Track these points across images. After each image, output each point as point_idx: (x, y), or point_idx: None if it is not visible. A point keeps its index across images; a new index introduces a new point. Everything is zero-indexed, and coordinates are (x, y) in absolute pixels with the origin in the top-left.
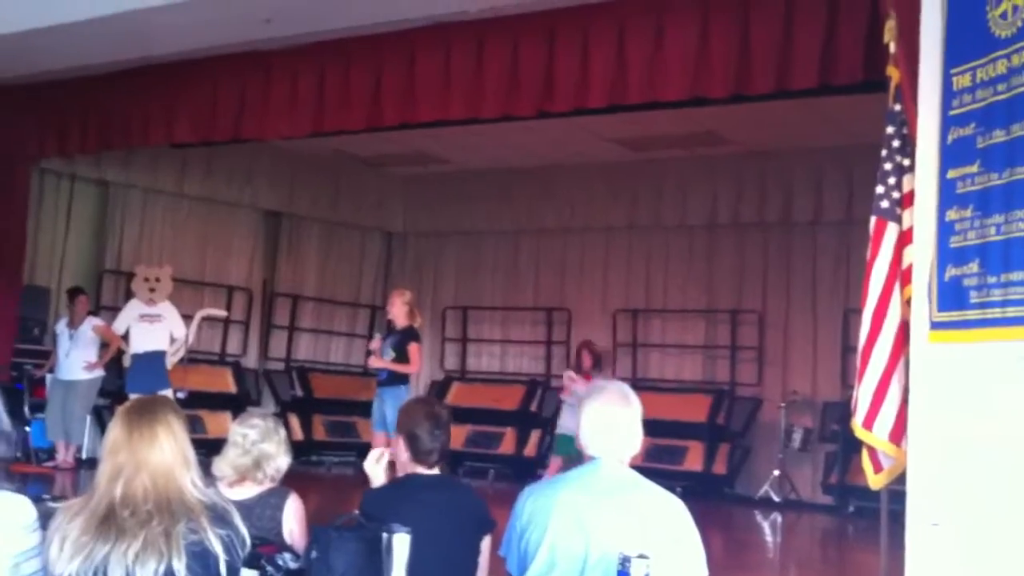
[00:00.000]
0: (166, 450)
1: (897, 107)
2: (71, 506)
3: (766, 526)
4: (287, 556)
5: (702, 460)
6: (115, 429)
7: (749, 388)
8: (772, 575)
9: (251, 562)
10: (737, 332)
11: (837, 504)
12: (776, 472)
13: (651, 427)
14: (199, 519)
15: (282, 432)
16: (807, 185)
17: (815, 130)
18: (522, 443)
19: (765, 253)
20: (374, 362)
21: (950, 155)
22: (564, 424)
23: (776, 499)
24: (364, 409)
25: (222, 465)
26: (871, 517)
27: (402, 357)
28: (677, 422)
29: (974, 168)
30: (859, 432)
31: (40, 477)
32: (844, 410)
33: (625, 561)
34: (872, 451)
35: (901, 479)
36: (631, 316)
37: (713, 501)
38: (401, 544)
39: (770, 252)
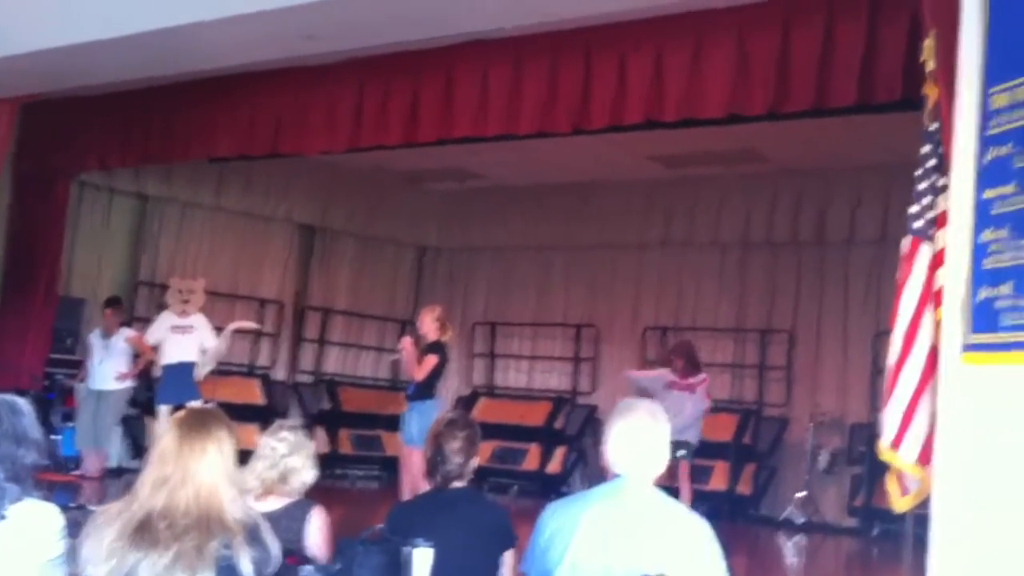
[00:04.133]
0: (214, 466)
1: (934, 126)
2: (109, 509)
3: (790, 548)
4: (309, 568)
5: (727, 480)
6: (167, 438)
7: (776, 408)
8: None
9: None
10: (766, 351)
11: (862, 527)
12: (802, 493)
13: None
14: (235, 538)
15: (310, 446)
16: (842, 204)
17: (853, 148)
18: (546, 460)
19: (797, 272)
20: (405, 356)
21: (986, 175)
22: None
23: (799, 521)
24: (390, 423)
25: (249, 478)
26: (896, 540)
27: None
28: (702, 441)
29: (1010, 189)
30: (885, 454)
31: (67, 485)
32: (872, 432)
33: None
34: (898, 473)
35: (927, 503)
36: (660, 333)
37: (737, 522)
38: (422, 559)
39: (802, 271)
